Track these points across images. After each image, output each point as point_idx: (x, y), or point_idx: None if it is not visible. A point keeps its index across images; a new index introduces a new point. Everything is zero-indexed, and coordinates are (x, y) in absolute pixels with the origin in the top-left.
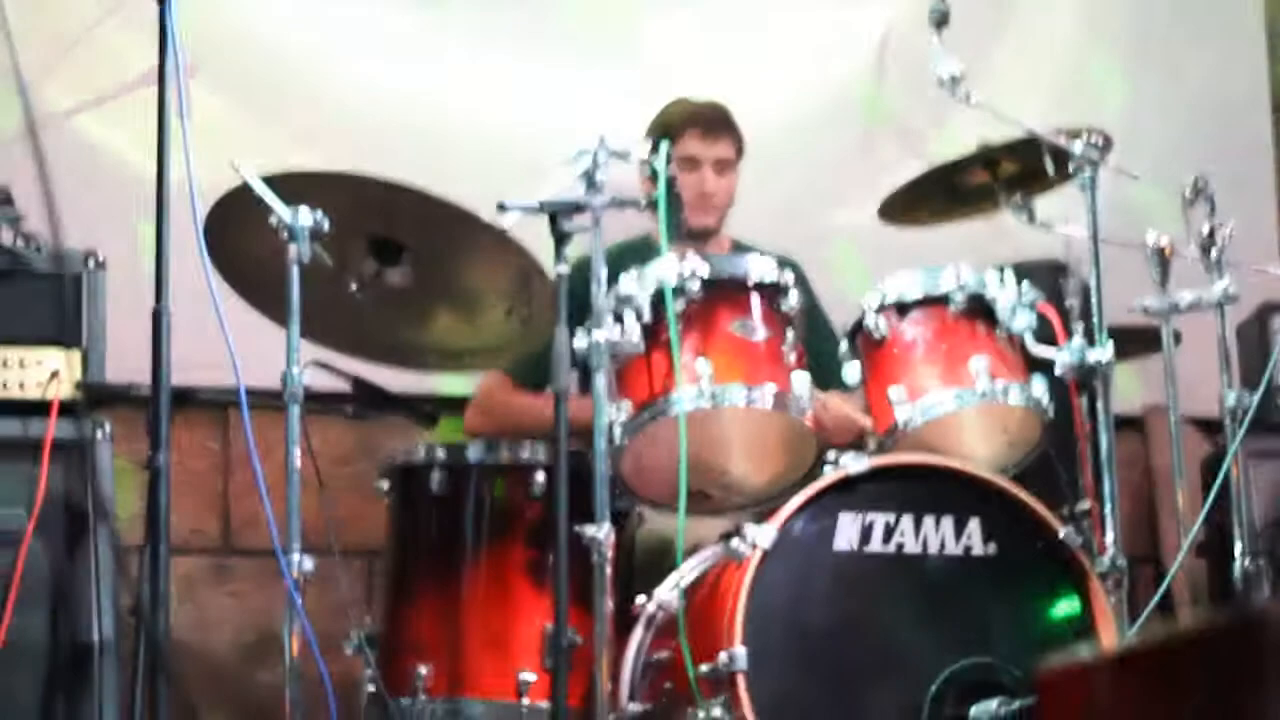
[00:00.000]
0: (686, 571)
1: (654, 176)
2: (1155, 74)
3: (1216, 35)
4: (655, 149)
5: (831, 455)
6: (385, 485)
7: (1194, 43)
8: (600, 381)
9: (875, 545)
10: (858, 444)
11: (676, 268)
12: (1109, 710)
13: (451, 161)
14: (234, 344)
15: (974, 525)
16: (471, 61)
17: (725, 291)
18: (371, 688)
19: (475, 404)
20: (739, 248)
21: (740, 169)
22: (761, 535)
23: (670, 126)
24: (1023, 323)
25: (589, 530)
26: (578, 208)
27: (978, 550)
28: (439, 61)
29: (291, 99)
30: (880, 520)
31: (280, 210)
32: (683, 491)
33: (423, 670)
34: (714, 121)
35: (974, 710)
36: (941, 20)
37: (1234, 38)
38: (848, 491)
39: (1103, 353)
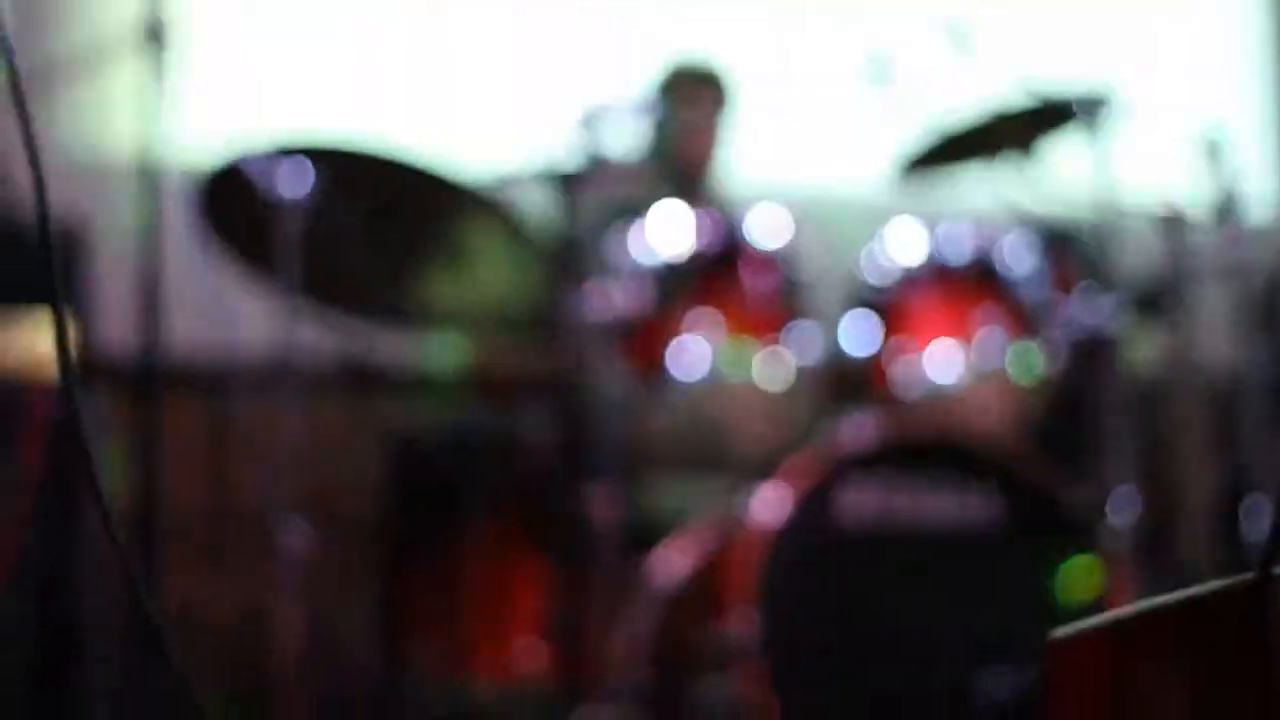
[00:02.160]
0: (693, 543)
1: (656, 132)
2: (1161, 25)
3: None
4: (659, 107)
5: (839, 424)
6: (383, 458)
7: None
8: (604, 346)
9: (884, 515)
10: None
11: (679, 227)
12: (1118, 677)
13: (451, 121)
14: (228, 315)
15: (984, 494)
16: (469, 18)
17: (731, 252)
18: (370, 662)
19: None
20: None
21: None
22: (769, 506)
23: (668, 85)
24: (1033, 286)
25: (591, 500)
26: (578, 170)
27: (988, 519)
28: (430, 19)
29: (289, 60)
30: (888, 491)
31: (275, 179)
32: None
33: (421, 644)
34: (716, 81)
35: (983, 678)
36: None
37: None
38: (856, 461)
39: (1115, 318)
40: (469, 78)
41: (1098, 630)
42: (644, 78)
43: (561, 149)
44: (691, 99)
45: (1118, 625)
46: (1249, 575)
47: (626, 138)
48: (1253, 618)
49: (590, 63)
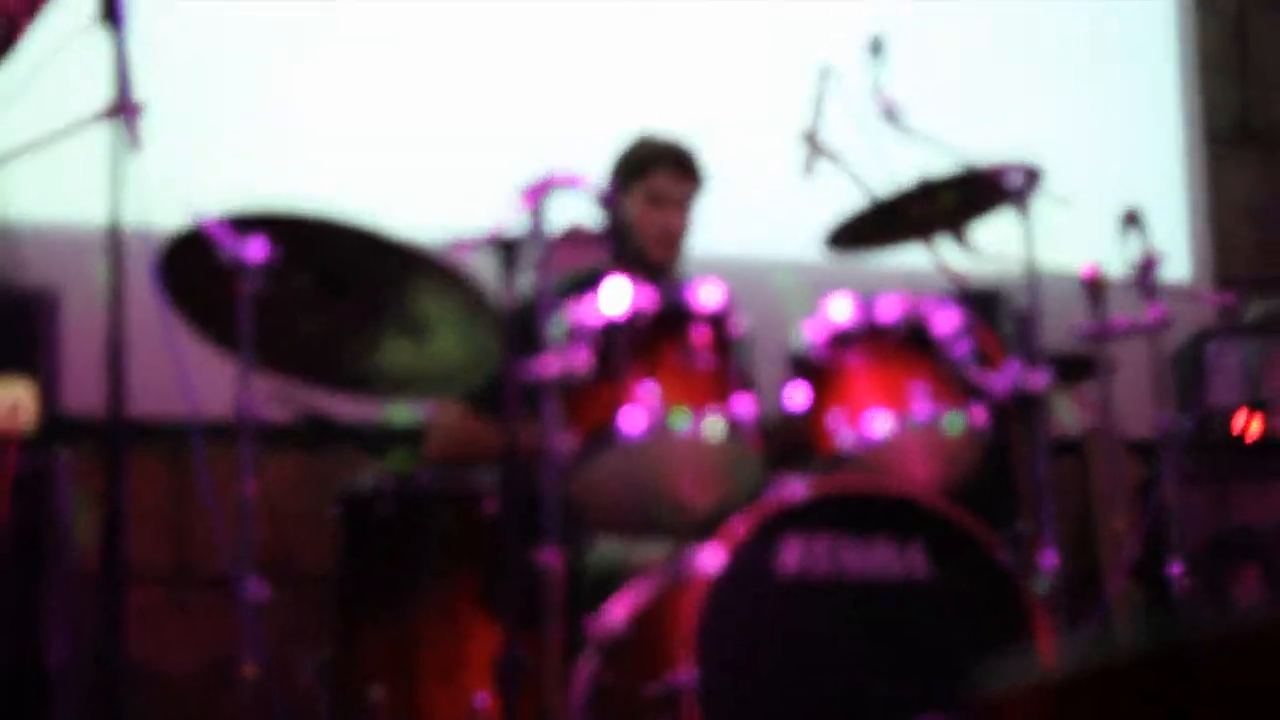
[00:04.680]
0: (635, 596)
1: (605, 207)
2: (1080, 101)
3: (1138, 63)
4: (618, 185)
5: (776, 480)
6: (336, 513)
7: (1116, 70)
8: (549, 410)
9: (819, 569)
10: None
11: (624, 295)
12: None
13: (405, 188)
14: (188, 375)
15: (916, 549)
16: (421, 86)
17: (672, 318)
18: (326, 714)
19: (437, 434)
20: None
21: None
22: (708, 560)
23: (643, 162)
24: (961, 349)
25: (538, 556)
26: (527, 239)
27: (920, 573)
28: (388, 88)
29: (245, 129)
30: (824, 544)
31: (231, 248)
32: (631, 517)
33: (375, 696)
34: (686, 161)
35: None
36: (878, 49)
37: (1157, 65)
38: (792, 516)
39: (1039, 379)
40: (424, 144)
41: (1027, 690)
42: (605, 152)
43: (514, 216)
44: (670, 181)
45: (1045, 684)
46: (1169, 636)
47: (580, 209)
48: (1177, 680)
49: (546, 133)
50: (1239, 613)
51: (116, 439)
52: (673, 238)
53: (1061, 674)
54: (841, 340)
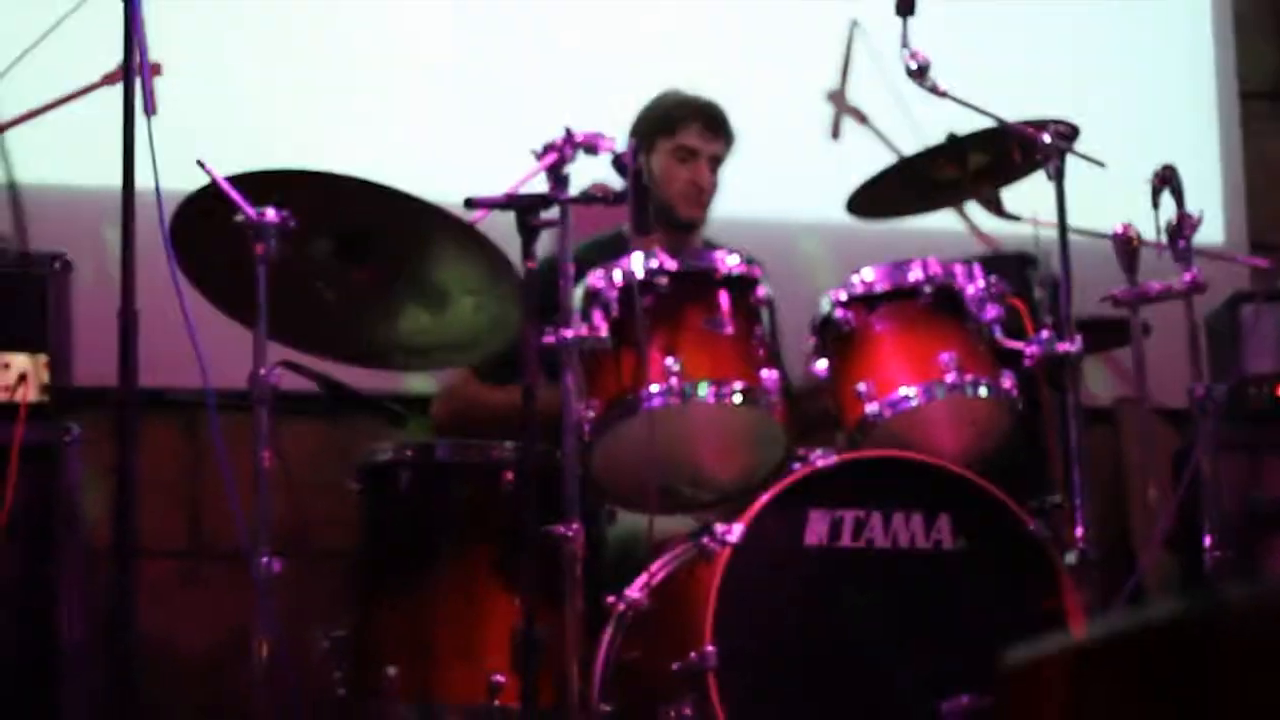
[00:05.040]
0: (657, 569)
1: (623, 170)
2: (1114, 62)
3: (1172, 22)
4: (644, 141)
5: (801, 450)
6: (355, 485)
7: (1150, 30)
8: (569, 379)
9: (845, 541)
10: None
11: (644, 262)
12: (1076, 704)
13: (421, 154)
14: (202, 345)
15: (944, 519)
16: (439, 51)
17: (694, 286)
18: (341, 691)
19: (443, 395)
20: (709, 246)
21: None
22: (731, 532)
23: (671, 118)
24: (991, 315)
25: (558, 529)
26: (545, 202)
27: (948, 544)
28: (405, 53)
29: (258, 95)
30: (850, 515)
31: (246, 209)
32: (653, 489)
33: (392, 672)
34: (716, 118)
35: (944, 705)
36: (907, 9)
37: (1191, 26)
38: (817, 487)
39: (1071, 345)
40: (444, 104)
41: (1054, 656)
42: (629, 113)
43: (534, 178)
44: (698, 137)
45: (1073, 651)
46: (1199, 603)
47: (601, 170)
48: (1205, 646)
49: (569, 94)
50: (1263, 582)
51: (127, 410)
52: (701, 193)
53: (1085, 642)
54: (869, 305)
